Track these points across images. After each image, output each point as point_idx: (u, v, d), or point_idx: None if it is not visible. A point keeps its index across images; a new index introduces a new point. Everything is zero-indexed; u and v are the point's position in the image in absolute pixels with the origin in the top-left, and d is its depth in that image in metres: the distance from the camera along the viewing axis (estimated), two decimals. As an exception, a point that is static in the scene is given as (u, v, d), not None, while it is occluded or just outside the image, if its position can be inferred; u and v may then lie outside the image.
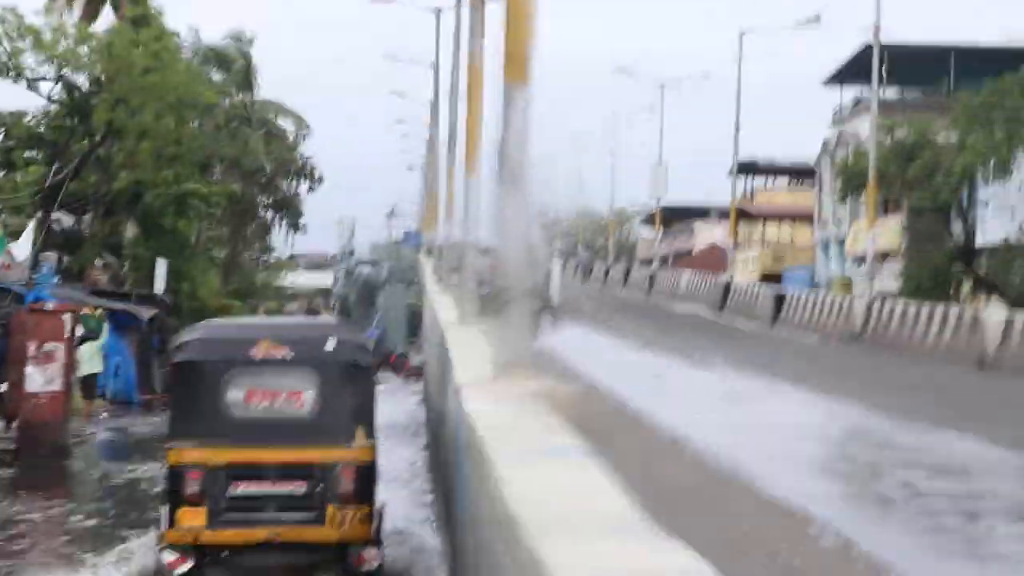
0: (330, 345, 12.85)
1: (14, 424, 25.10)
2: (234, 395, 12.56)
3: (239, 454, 12.43)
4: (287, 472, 12.49)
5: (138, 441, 29.30)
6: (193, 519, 12.32)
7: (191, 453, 12.44)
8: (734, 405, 20.18)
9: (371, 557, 12.54)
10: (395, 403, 34.56)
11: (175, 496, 12.46)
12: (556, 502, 5.82)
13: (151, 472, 23.85)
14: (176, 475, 12.49)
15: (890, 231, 48.56)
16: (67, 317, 26.08)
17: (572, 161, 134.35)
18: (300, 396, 12.62)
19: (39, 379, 24.76)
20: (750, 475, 13.68)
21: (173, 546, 12.36)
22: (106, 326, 37.23)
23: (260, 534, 12.38)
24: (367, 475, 12.69)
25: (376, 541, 12.71)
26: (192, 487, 12.35)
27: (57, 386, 25.00)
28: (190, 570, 12.27)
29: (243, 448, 12.43)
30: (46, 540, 17.06)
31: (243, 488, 12.42)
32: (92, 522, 17.84)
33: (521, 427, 8.55)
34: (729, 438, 15.64)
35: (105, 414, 32.62)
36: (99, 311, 35.13)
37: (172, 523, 12.42)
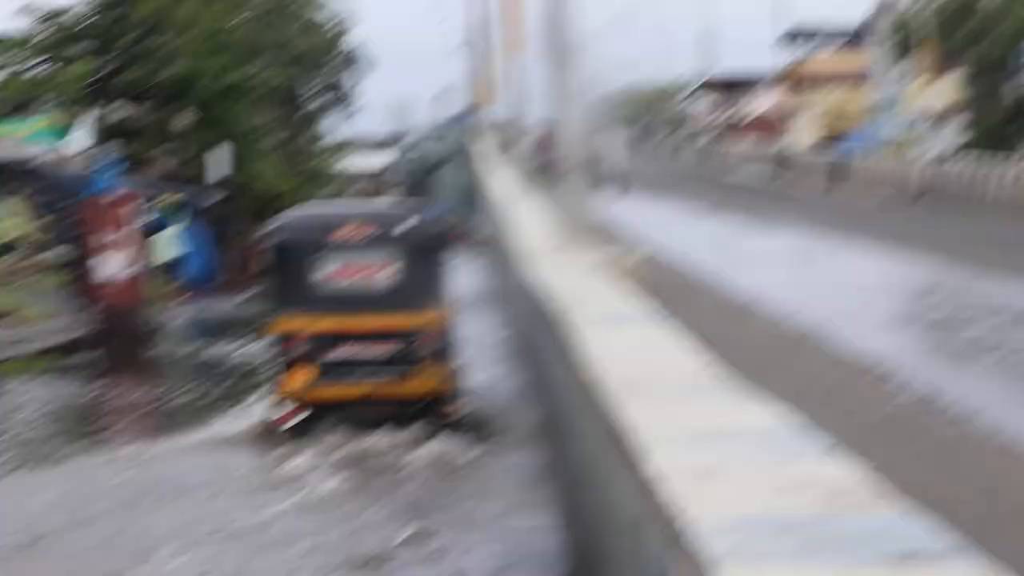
0: (408, 224, 14.53)
1: (93, 312, 25.44)
2: (327, 271, 14.25)
3: (336, 322, 14.06)
4: (376, 337, 14.12)
5: (214, 323, 29.74)
6: (300, 379, 14.01)
7: (294, 322, 14.15)
8: (803, 266, 20.04)
9: (455, 408, 14.15)
10: (464, 276, 34.80)
11: (283, 359, 14.15)
12: (633, 365, 5.89)
13: (230, 351, 24.34)
14: (283, 341, 14.19)
15: (948, 89, 47.81)
16: (135, 205, 26.37)
17: (621, 35, 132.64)
18: (384, 271, 14.29)
19: (112, 266, 25.14)
20: (825, 333, 13.64)
21: (282, 403, 14.09)
22: (181, 213, 37.60)
23: (357, 391, 14.03)
24: (447, 337, 14.32)
25: (458, 394, 14.35)
26: (298, 351, 14.03)
27: (130, 272, 25.40)
28: (299, 423, 13.93)
29: (339, 316, 14.08)
30: (146, 417, 17.61)
31: (341, 351, 14.08)
32: (186, 398, 18.33)
33: (593, 293, 8.64)
34: (801, 298, 15.54)
35: (180, 299, 33.05)
36: (173, 198, 35.41)
37: (280, 384, 14.15)
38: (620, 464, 4.85)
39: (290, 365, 14.07)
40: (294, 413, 14.01)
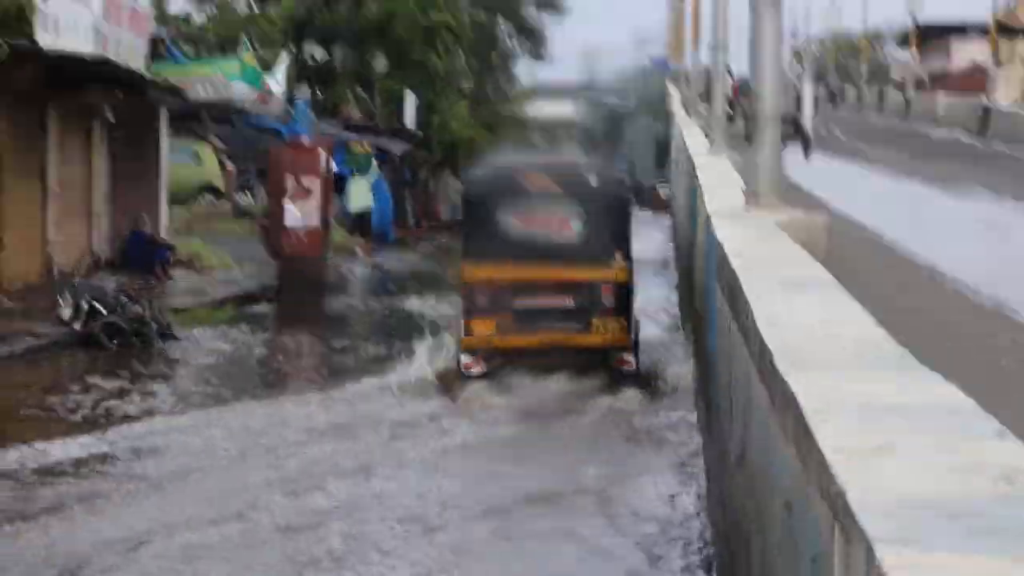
0: (594, 180, 15.16)
1: (277, 260, 25.79)
2: (514, 223, 14.92)
3: (519, 273, 14.74)
4: (559, 288, 14.78)
5: (396, 274, 30.13)
6: (484, 327, 14.75)
7: (481, 272, 14.91)
8: (998, 237, 19.34)
9: (629, 359, 14.83)
10: (644, 236, 34.65)
11: (469, 308, 14.89)
12: (809, 332, 5.78)
13: (412, 303, 24.63)
14: (469, 290, 14.99)
15: None
16: (323, 152, 26.56)
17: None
18: (569, 224, 14.93)
19: (297, 214, 25.29)
20: (1014, 309, 13.19)
21: (468, 350, 14.80)
22: (371, 162, 38.03)
23: (538, 339, 14.72)
24: (625, 291, 14.95)
25: (633, 347, 14.99)
26: (482, 300, 14.77)
27: (314, 221, 25.50)
28: (481, 369, 14.66)
29: (523, 268, 14.72)
30: (330, 363, 18.01)
31: (524, 302, 14.75)
32: (369, 346, 18.88)
33: (773, 257, 8.49)
34: (992, 270, 15.02)
35: (364, 249, 33.49)
36: (364, 147, 35.77)
37: (467, 331, 14.85)
38: (783, 435, 4.76)
39: (477, 313, 14.76)
40: (479, 359, 14.68)
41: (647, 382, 14.99)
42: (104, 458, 12.20)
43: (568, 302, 14.86)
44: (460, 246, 15.66)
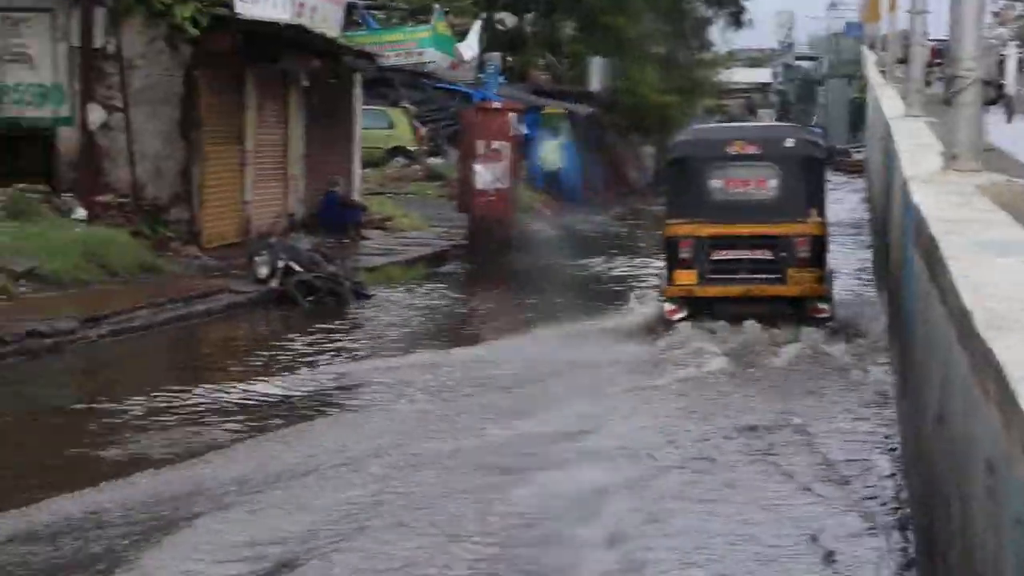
0: (789, 143, 16.05)
1: (468, 220, 26.05)
2: (715, 183, 15.86)
3: (719, 228, 15.64)
4: (756, 242, 15.64)
5: (582, 237, 30.16)
6: (686, 278, 15.69)
7: (683, 227, 15.79)
8: None
9: (823, 309, 15.59)
10: (837, 199, 34.11)
11: (672, 260, 15.85)
12: (1012, 296, 5.62)
13: (595, 266, 24.67)
14: (672, 245, 15.88)
15: None
16: (512, 116, 26.74)
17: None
18: (766, 183, 15.84)
19: (487, 176, 25.54)
20: None
21: (671, 299, 15.77)
22: (561, 125, 38.10)
23: (736, 290, 15.62)
24: (819, 245, 15.77)
25: (827, 297, 15.75)
26: (685, 253, 15.70)
27: (504, 183, 25.73)
28: (683, 317, 15.59)
29: (722, 224, 15.64)
30: (527, 316, 18.32)
31: (723, 255, 15.66)
32: (565, 302, 19.23)
33: (972, 221, 8.27)
34: None
35: (552, 210, 33.60)
36: (555, 110, 35.86)
37: (671, 281, 15.85)
38: (984, 398, 4.65)
39: (679, 265, 15.72)
40: (680, 307, 15.65)
41: (838, 330, 15.56)
42: (314, 394, 12.85)
43: (765, 254, 15.67)
44: (665, 204, 16.66)
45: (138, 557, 7.98)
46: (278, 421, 11.70)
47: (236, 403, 12.34)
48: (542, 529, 8.67)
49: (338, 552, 8.09)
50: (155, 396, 12.27)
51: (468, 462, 10.25)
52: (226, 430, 11.28)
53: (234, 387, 12.94)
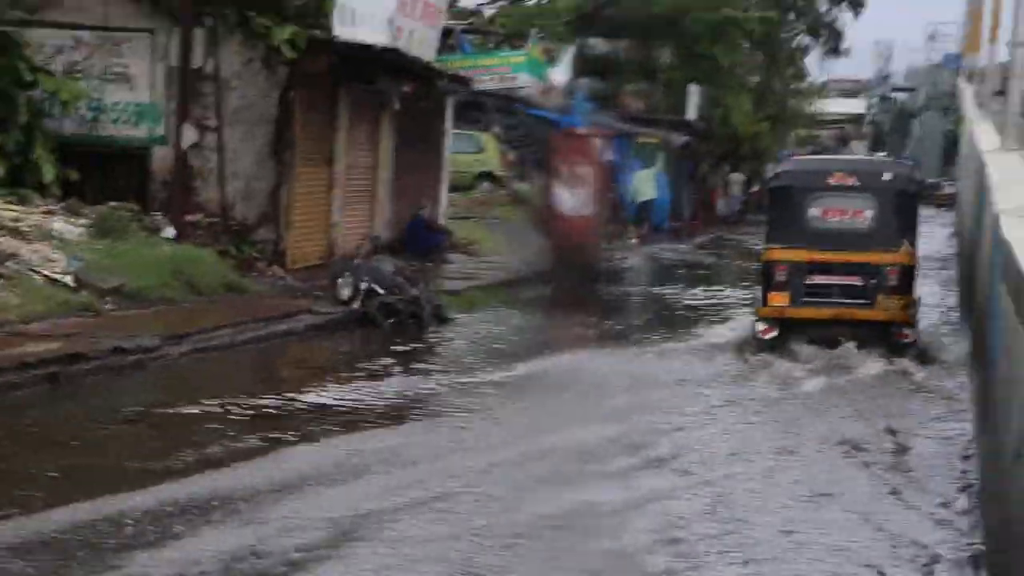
0: (887, 176, 16.97)
1: (551, 246, 25.97)
2: (813, 212, 16.77)
3: (814, 254, 16.59)
4: (849, 269, 16.53)
5: (667, 266, 29.99)
6: (780, 300, 16.67)
7: (780, 253, 16.79)
8: None
9: (907, 335, 16.49)
10: (926, 233, 33.76)
11: (768, 283, 16.78)
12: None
13: (682, 293, 24.55)
14: (769, 268, 16.83)
15: None
16: (599, 141, 26.69)
17: None
18: (862, 214, 16.71)
19: (570, 201, 25.50)
20: None
21: (765, 319, 16.73)
22: (661, 154, 37.92)
23: (827, 313, 16.54)
24: (908, 274, 16.66)
25: (912, 323, 16.65)
26: (780, 277, 16.66)
27: (588, 210, 25.66)
28: (776, 336, 16.57)
29: (817, 250, 16.59)
30: (611, 338, 18.98)
31: (817, 279, 16.58)
32: (652, 326, 20.42)
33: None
34: None
35: (639, 239, 33.44)
36: (650, 138, 35.72)
37: (765, 302, 16.79)
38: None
39: (774, 287, 16.65)
40: (772, 327, 16.59)
41: (923, 353, 16.53)
42: (417, 400, 13.59)
43: (857, 281, 16.48)
44: (765, 231, 17.50)
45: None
46: (371, 428, 12.14)
47: (305, 410, 12.74)
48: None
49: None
50: (229, 407, 12.51)
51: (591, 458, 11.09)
52: (298, 434, 11.65)
53: (302, 398, 13.21)
